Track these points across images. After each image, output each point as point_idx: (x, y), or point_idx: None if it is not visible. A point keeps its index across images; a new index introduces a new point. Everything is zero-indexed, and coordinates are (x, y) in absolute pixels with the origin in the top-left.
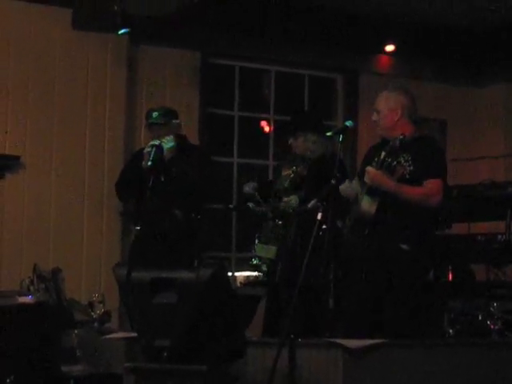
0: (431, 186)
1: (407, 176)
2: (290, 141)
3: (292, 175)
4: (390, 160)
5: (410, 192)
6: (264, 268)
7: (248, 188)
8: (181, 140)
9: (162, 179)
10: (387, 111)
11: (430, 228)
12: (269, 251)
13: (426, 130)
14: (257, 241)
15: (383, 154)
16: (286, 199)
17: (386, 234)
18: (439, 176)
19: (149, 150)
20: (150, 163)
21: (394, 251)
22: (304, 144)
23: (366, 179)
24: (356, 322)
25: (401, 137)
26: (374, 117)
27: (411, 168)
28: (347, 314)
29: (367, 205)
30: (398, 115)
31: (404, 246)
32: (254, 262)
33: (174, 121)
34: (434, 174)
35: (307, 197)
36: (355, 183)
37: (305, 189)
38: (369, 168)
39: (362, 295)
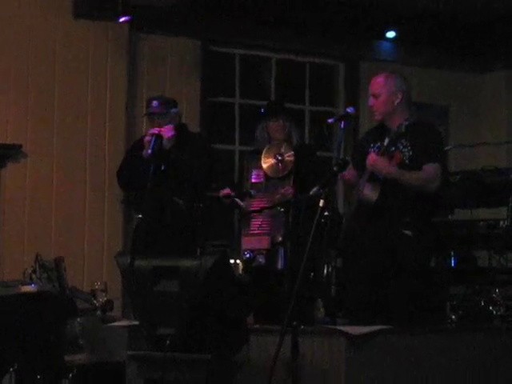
0: (430, 170)
1: (407, 161)
2: (274, 123)
3: (280, 165)
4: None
5: (410, 177)
6: (260, 259)
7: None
8: (181, 129)
9: (162, 168)
10: (388, 95)
11: (431, 213)
12: (261, 242)
13: (429, 117)
14: (242, 235)
15: (387, 140)
16: (282, 190)
17: (388, 220)
18: (437, 160)
19: (149, 138)
20: (150, 152)
21: (396, 237)
22: (285, 130)
23: (368, 165)
24: (359, 308)
25: (406, 122)
26: (372, 102)
27: (410, 153)
28: (350, 301)
29: (369, 192)
30: (399, 99)
31: (406, 232)
32: (248, 256)
33: (173, 110)
34: (432, 158)
35: (298, 185)
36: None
37: (295, 176)
38: (371, 154)
39: (365, 282)
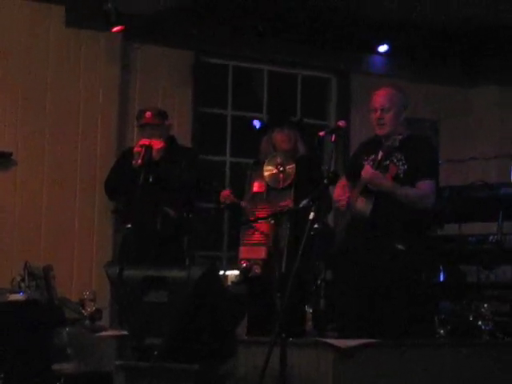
0: (424, 187)
1: (401, 175)
2: (279, 133)
3: (281, 175)
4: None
5: (405, 193)
6: (256, 269)
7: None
8: (170, 141)
9: (150, 179)
10: (397, 110)
11: (425, 227)
12: (258, 252)
13: (419, 132)
14: (240, 245)
15: (380, 154)
16: (282, 204)
17: (381, 234)
18: (432, 176)
19: (139, 149)
20: (140, 162)
21: (389, 251)
22: (291, 140)
23: (363, 178)
24: (350, 322)
25: (399, 137)
26: (380, 115)
27: (405, 167)
28: (341, 314)
29: (362, 205)
30: (404, 114)
31: (399, 246)
32: (244, 265)
33: (166, 121)
34: (426, 174)
35: (299, 197)
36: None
37: (296, 188)
38: (367, 167)
39: (357, 295)
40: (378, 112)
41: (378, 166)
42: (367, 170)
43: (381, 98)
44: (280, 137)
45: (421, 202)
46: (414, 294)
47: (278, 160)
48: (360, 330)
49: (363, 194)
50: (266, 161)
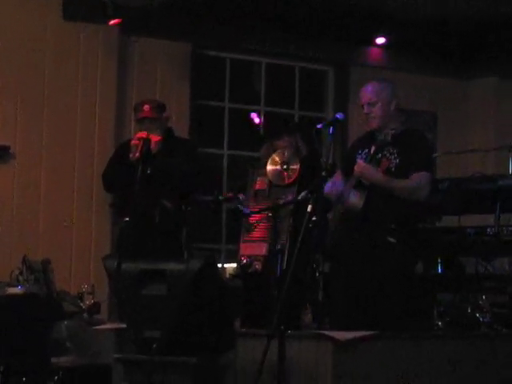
0: (418, 179)
1: (393, 169)
2: (279, 141)
3: (285, 173)
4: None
5: (399, 185)
6: (258, 266)
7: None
8: (168, 133)
9: (148, 171)
10: (384, 102)
11: (417, 220)
12: (259, 248)
13: (417, 123)
14: (241, 240)
15: (373, 148)
16: (289, 198)
17: (373, 228)
18: (426, 169)
19: (137, 142)
20: (138, 155)
21: (381, 244)
22: (292, 145)
23: (356, 172)
24: (344, 316)
25: (392, 131)
26: (368, 110)
27: (397, 161)
28: (335, 308)
29: (355, 199)
30: (393, 106)
31: (391, 239)
32: (244, 262)
33: (164, 114)
34: (420, 166)
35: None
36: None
37: (299, 186)
38: (359, 161)
39: (351, 289)
40: (366, 107)
41: (370, 159)
42: (359, 164)
43: (366, 92)
44: (281, 144)
45: (414, 193)
46: (408, 287)
47: (283, 157)
48: (355, 325)
49: (356, 188)
50: (271, 157)
